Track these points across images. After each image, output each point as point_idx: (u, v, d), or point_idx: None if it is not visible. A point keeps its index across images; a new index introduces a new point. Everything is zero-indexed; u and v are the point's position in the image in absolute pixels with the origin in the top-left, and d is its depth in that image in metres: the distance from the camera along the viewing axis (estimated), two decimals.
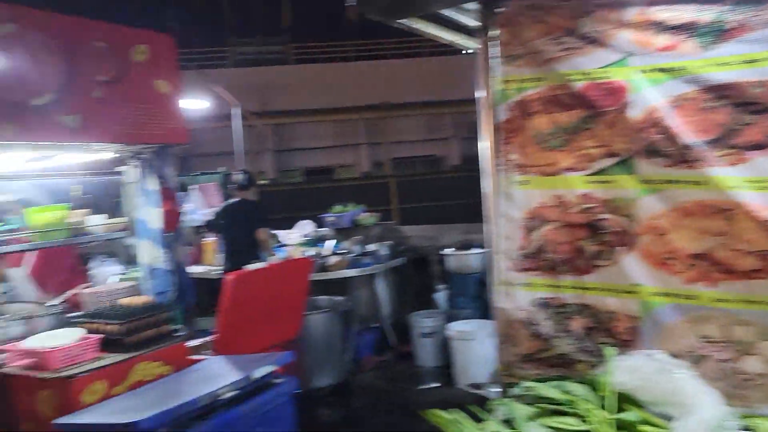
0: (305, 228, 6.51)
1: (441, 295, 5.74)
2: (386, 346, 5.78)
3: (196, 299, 4.05)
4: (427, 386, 5.00)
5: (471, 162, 4.08)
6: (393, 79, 17.45)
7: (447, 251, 5.70)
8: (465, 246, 5.72)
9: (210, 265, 6.14)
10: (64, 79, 3.02)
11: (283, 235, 6.30)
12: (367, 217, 6.59)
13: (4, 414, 2.92)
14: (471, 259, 5.43)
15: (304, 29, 18.67)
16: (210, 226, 6.07)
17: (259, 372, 2.82)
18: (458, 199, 9.27)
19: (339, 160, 19.39)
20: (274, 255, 5.58)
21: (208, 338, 4.06)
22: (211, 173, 7.36)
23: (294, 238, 6.18)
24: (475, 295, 5.31)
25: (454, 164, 17.86)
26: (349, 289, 5.59)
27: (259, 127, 16.89)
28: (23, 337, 3.13)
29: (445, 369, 5.06)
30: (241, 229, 5.52)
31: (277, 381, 2.96)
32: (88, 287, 3.74)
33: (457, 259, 5.55)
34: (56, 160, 3.65)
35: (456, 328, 4.90)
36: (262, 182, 13.84)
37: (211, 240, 6.32)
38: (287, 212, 9.24)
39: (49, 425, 2.82)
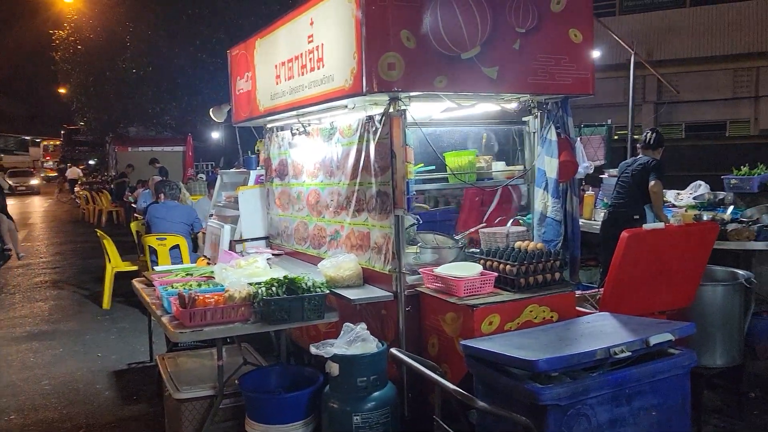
0: (699, 189, 5.84)
1: None
2: None
3: (580, 252, 4.05)
4: None
5: None
6: None
7: None
8: None
9: (588, 218, 6.05)
10: (490, 32, 3.25)
11: (673, 195, 5.77)
12: None
13: (415, 323, 3.45)
14: None
15: None
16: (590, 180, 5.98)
17: (657, 338, 2.67)
18: None
19: (732, 115, 16.78)
20: (663, 215, 5.20)
21: (590, 291, 4.04)
22: (596, 125, 7.15)
23: (685, 200, 5.61)
24: None
25: None
26: (750, 264, 4.83)
27: (644, 77, 15.68)
28: (434, 264, 3.62)
29: None
30: (630, 187, 5.30)
31: (675, 351, 2.76)
32: (485, 227, 4.07)
33: None
34: (466, 109, 4.01)
35: None
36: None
37: (590, 193, 6.21)
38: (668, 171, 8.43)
39: (450, 342, 3.24)
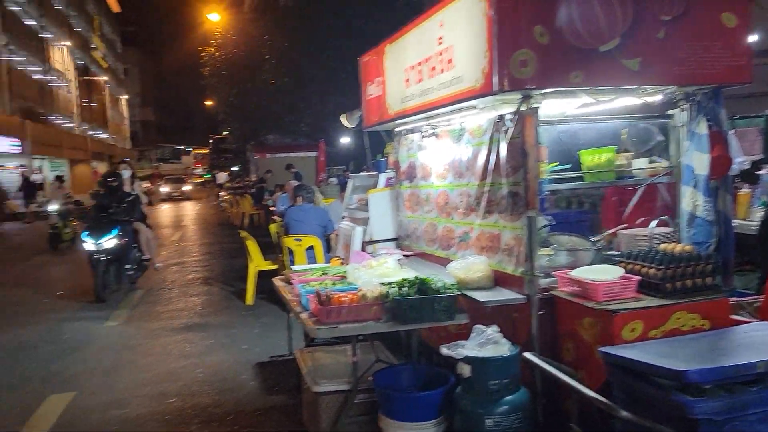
0: None
1: None
2: None
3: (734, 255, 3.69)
4: None
5: None
6: None
7: None
8: None
9: (743, 219, 5.50)
10: (631, 22, 3.08)
11: None
12: None
13: (549, 327, 3.34)
14: None
15: None
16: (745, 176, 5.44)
17: None
18: None
19: None
20: None
21: (746, 299, 3.68)
22: (752, 117, 6.48)
23: None
24: None
25: None
26: None
27: None
28: (568, 267, 3.49)
29: None
30: None
31: None
32: (626, 228, 3.85)
33: None
34: (603, 104, 3.81)
35: None
36: None
37: (746, 191, 5.65)
38: None
39: (587, 348, 3.10)
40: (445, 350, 3.10)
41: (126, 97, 70.15)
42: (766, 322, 2.94)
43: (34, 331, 7.01)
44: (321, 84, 20.15)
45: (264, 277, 8.08)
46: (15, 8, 33.38)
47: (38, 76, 38.03)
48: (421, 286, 3.35)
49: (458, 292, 3.41)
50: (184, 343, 6.31)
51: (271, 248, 9.38)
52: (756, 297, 3.69)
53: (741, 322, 3.06)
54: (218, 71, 24.78)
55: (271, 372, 5.27)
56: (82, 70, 49.18)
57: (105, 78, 56.97)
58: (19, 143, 30.07)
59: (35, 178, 29.56)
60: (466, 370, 3.02)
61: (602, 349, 2.76)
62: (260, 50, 21.24)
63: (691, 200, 3.53)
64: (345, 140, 25.92)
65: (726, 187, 3.52)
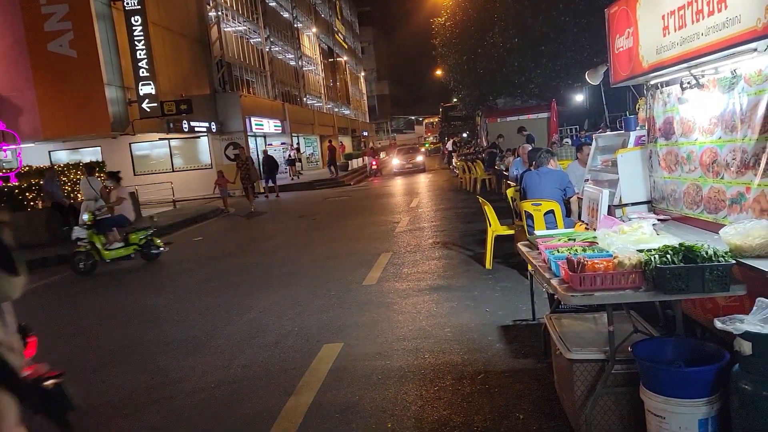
0: None
1: None
2: None
3: None
4: None
5: None
6: None
7: None
8: None
9: None
10: None
11: None
12: None
13: None
14: None
15: None
16: None
17: None
18: None
19: None
20: None
21: None
22: None
23: None
24: None
25: None
26: None
27: None
28: None
29: None
30: None
31: None
32: None
33: None
34: None
35: None
36: None
37: None
38: None
39: None
40: (720, 324, 2.82)
41: (363, 73, 75.63)
42: None
43: (305, 289, 8.11)
44: (551, 42, 19.31)
45: (499, 241, 8.20)
46: (272, 3, 37.96)
47: (292, 63, 42.96)
48: (688, 253, 3.08)
49: (734, 261, 3.06)
50: (431, 303, 6.73)
51: (506, 213, 9.42)
52: None
53: None
54: (448, 40, 25.25)
55: (515, 335, 5.36)
56: (327, 53, 54.22)
57: (346, 58, 62.05)
58: (280, 124, 34.54)
59: (289, 154, 33.88)
60: (746, 347, 2.72)
61: None
62: (489, 13, 21.06)
63: None
64: (578, 98, 24.58)
65: None
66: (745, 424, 2.74)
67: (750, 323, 2.74)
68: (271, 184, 24.64)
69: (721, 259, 3.03)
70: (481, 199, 8.76)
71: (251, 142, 29.85)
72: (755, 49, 3.18)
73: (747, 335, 2.71)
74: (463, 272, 8.11)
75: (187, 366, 5.53)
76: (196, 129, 25.02)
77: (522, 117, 22.10)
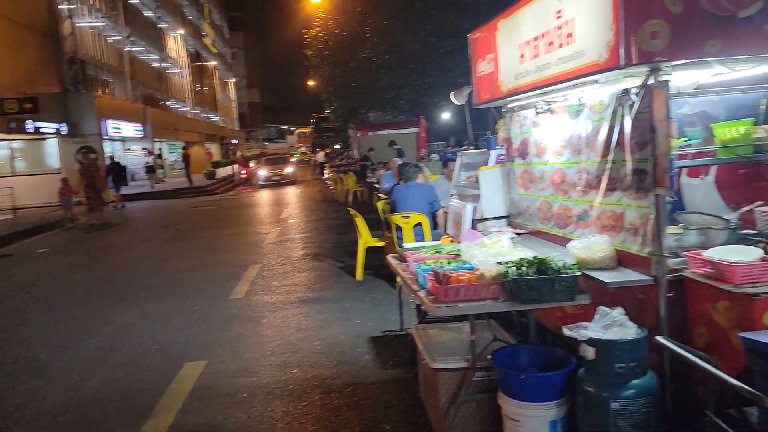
0: None
1: None
2: None
3: None
4: None
5: None
6: None
7: None
8: None
9: None
10: None
11: None
12: None
13: (678, 311, 3.20)
14: None
15: None
16: None
17: None
18: None
19: None
20: None
21: None
22: None
23: None
24: None
25: None
26: None
27: None
28: (700, 247, 3.31)
29: None
30: None
31: None
32: (762, 205, 3.58)
33: None
34: (739, 73, 3.54)
35: None
36: None
37: None
38: None
39: (722, 333, 2.95)
40: (567, 331, 3.06)
41: (233, 80, 73.56)
42: None
43: (167, 304, 7.66)
44: (420, 61, 20.12)
45: (371, 253, 8.33)
46: (134, 1, 35.81)
47: (156, 65, 40.75)
48: (541, 265, 3.32)
49: (579, 273, 3.34)
50: (301, 316, 6.65)
51: (377, 225, 9.60)
52: None
53: None
54: (321, 51, 25.37)
55: (384, 346, 5.45)
56: (194, 56, 52.10)
57: (214, 63, 59.96)
58: (141, 128, 32.51)
59: (147, 161, 31.76)
60: (590, 352, 2.97)
61: (743, 334, 2.61)
62: (361, 28, 21.49)
63: None
64: (445, 116, 25.74)
65: None
66: (589, 423, 2.99)
67: (593, 330, 3.00)
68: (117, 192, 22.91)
69: (568, 271, 3.29)
70: (352, 211, 8.85)
71: (107, 146, 27.80)
72: (597, 81, 3.51)
73: (590, 341, 2.97)
74: (334, 284, 8.11)
75: (27, 390, 4.98)
76: (43, 130, 22.84)
77: (393, 131, 22.68)
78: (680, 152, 3.49)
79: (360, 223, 8.36)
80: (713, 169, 3.81)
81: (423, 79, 20.66)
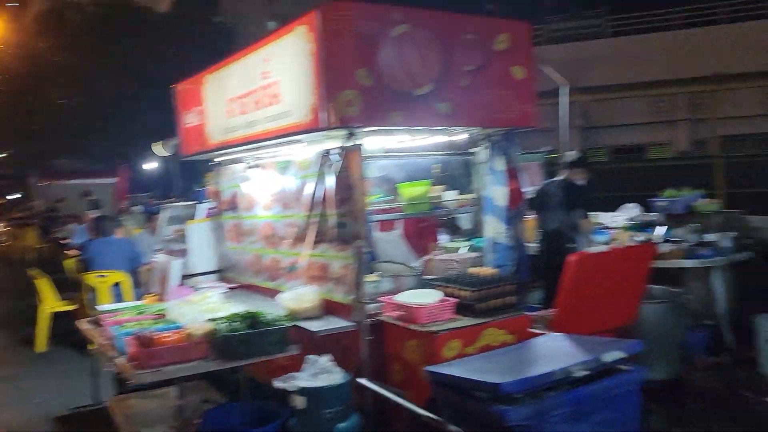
0: (630, 211, 6.21)
1: None
2: (721, 347, 5.23)
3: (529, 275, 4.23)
4: None
5: None
6: (727, 46, 15.38)
7: None
8: None
9: (530, 241, 6.29)
10: (441, 71, 3.42)
11: (606, 217, 6.12)
12: (705, 204, 5.96)
13: (378, 351, 3.51)
14: None
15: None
16: (530, 205, 6.26)
17: (610, 356, 2.83)
18: None
19: (652, 139, 18.01)
20: (591, 240, 5.49)
21: (540, 313, 4.21)
22: (533, 152, 7.50)
23: (619, 222, 5.95)
24: None
25: None
26: (681, 281, 5.19)
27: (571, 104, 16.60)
28: (393, 292, 3.71)
29: None
30: (558, 210, 5.57)
31: (625, 368, 2.94)
32: (439, 254, 4.19)
33: None
34: (418, 141, 4.16)
35: None
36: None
37: (531, 217, 6.48)
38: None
39: (412, 369, 3.32)
40: (278, 383, 3.08)
41: None
42: (558, 333, 3.40)
43: None
44: (119, 106, 18.82)
45: (58, 318, 7.25)
46: None
47: None
48: (253, 319, 3.30)
49: (290, 324, 3.42)
50: None
51: (63, 286, 8.42)
52: (547, 311, 4.24)
53: (537, 334, 3.51)
54: None
55: (75, 425, 4.73)
56: None
57: None
58: None
59: None
60: (299, 401, 3.04)
61: (427, 368, 2.96)
62: (50, 67, 19.21)
63: (494, 228, 3.98)
64: (149, 166, 24.33)
65: (520, 216, 4.04)
66: None
67: (302, 379, 3.08)
68: None
69: (280, 323, 3.34)
70: (32, 272, 7.62)
71: None
72: (301, 141, 3.74)
73: (301, 391, 3.03)
74: (8, 359, 6.81)
75: None
76: None
77: (87, 180, 20.46)
78: (375, 208, 3.91)
79: (42, 285, 7.24)
80: (401, 224, 4.35)
81: (125, 126, 19.29)
